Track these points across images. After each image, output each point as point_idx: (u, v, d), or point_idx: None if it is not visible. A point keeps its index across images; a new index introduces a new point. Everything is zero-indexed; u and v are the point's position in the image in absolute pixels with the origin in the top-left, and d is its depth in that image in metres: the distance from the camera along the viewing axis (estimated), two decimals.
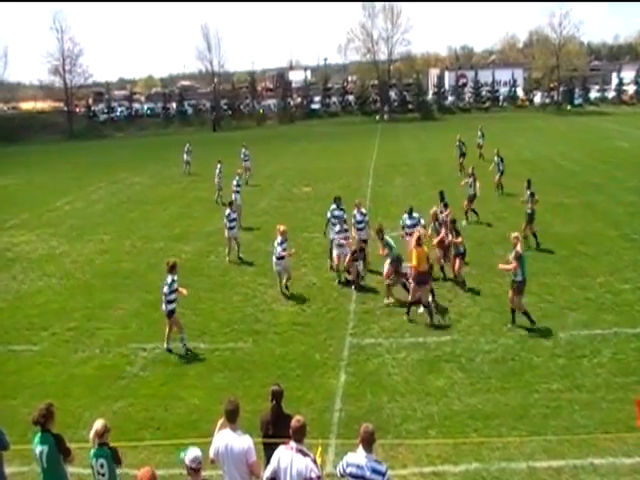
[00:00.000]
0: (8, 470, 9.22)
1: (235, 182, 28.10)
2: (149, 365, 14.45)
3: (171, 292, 14.69)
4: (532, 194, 21.71)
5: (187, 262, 21.70)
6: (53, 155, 66.32)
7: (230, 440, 7.98)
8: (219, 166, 32.65)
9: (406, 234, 19.04)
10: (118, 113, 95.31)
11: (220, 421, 8.30)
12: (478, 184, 25.40)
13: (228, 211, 21.63)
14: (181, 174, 42.24)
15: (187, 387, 13.25)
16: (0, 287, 20.78)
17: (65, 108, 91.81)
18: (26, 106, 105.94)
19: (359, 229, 19.73)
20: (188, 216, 29.98)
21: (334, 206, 20.45)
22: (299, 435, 7.73)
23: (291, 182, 37.74)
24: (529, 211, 21.67)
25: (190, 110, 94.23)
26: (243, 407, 8.56)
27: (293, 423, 7.75)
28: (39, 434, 8.39)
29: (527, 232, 21.52)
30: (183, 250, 23.61)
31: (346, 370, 13.63)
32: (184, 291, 15.01)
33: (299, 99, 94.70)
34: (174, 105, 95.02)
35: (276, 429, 8.37)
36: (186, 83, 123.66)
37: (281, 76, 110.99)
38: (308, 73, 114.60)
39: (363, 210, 20.43)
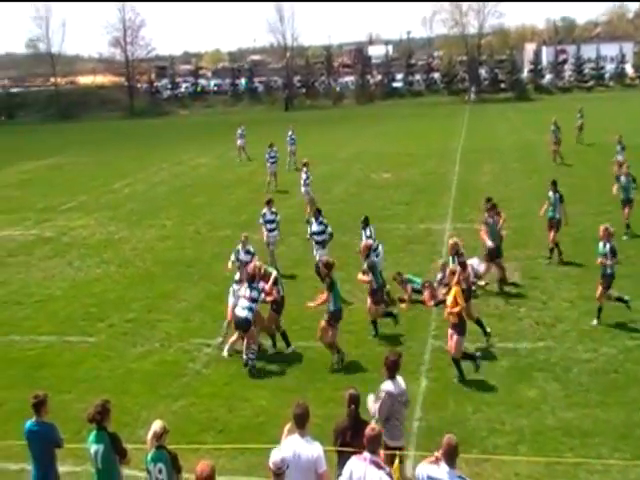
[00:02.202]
0: (61, 469, 9.43)
1: (304, 175, 27.40)
2: (212, 362, 14.63)
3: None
4: (561, 197, 19.54)
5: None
6: (112, 133, 68.14)
7: (298, 447, 7.98)
8: (274, 149, 32.80)
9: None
10: (182, 89, 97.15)
11: (288, 426, 8.31)
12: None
13: (264, 210, 20.66)
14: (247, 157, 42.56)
15: (253, 387, 13.36)
16: (55, 274, 21.46)
17: (126, 83, 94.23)
18: (84, 80, 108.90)
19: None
20: (256, 202, 29.99)
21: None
22: (374, 445, 7.67)
23: (369, 167, 37.63)
24: (557, 216, 19.54)
25: (260, 87, 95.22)
26: (313, 412, 8.54)
27: (367, 432, 7.70)
28: (94, 432, 8.55)
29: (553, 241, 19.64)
30: (250, 239, 23.72)
31: (427, 375, 13.51)
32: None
33: (379, 76, 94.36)
34: (243, 81, 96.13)
35: (354, 437, 8.32)
36: (256, 58, 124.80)
37: (360, 51, 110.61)
38: (389, 48, 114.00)
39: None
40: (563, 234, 19.96)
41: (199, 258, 22.00)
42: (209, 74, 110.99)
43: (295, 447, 7.99)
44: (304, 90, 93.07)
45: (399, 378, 9.76)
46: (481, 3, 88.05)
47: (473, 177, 33.00)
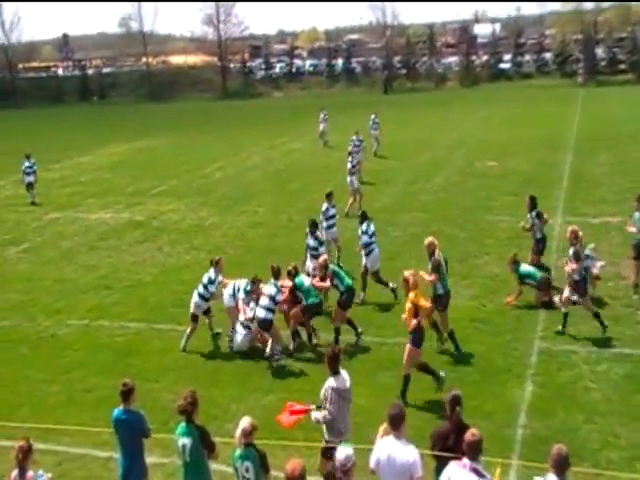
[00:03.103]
0: (148, 460, 9.66)
1: (350, 164, 26.86)
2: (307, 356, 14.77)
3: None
4: (538, 214, 18.13)
5: (351, 242, 21.90)
6: (204, 115, 69.46)
7: (393, 450, 7.95)
8: (360, 137, 32.61)
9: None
10: (277, 70, 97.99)
11: (382, 427, 8.30)
12: None
13: (326, 205, 20.07)
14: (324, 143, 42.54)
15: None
16: (146, 259, 22.06)
17: (218, 63, 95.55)
18: (176, 60, 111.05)
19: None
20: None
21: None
22: (474, 452, 7.57)
23: (473, 154, 37.08)
24: (538, 235, 18.08)
25: (358, 68, 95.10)
26: (412, 413, 8.53)
27: (467, 437, 7.61)
28: (183, 424, 8.73)
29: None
30: (347, 227, 23.84)
31: (533, 380, 13.25)
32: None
33: (485, 57, 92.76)
34: (340, 62, 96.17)
35: (457, 442, 8.21)
36: (354, 37, 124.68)
37: (465, 30, 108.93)
38: (497, 26, 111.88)
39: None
40: None
41: (292, 247, 22.12)
42: (305, 54, 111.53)
43: (390, 450, 7.97)
44: (404, 71, 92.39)
45: (343, 373, 9.83)
46: None
47: (587, 167, 32.04)
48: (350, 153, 28.53)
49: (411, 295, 12.61)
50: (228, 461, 9.14)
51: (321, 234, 18.69)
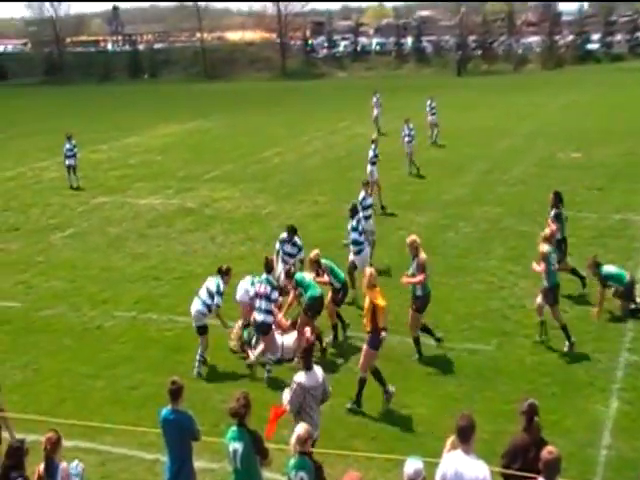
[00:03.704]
0: (196, 464, 9.75)
1: (372, 152, 26.34)
2: None
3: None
4: (558, 215, 17.67)
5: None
6: (262, 95, 69.79)
7: (461, 465, 7.90)
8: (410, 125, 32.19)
9: None
10: (340, 48, 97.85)
11: (450, 439, 8.25)
12: None
13: (363, 194, 20.29)
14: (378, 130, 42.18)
15: (412, 391, 13.36)
16: (197, 249, 22.26)
17: (278, 40, 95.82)
18: (233, 37, 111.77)
19: None
20: (421, 179, 30.16)
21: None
22: (551, 471, 7.50)
23: (555, 144, 36.55)
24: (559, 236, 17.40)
25: (429, 47, 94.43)
26: (480, 425, 8.43)
27: (544, 455, 7.54)
28: (234, 428, 8.76)
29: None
30: (414, 221, 23.80)
31: (619, 396, 13.03)
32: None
33: (570, 37, 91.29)
34: (409, 41, 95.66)
35: (536, 458, 8.12)
36: (425, 14, 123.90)
37: (548, 7, 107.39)
38: (584, 3, 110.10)
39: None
40: None
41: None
42: (371, 32, 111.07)
43: (458, 464, 7.93)
44: (480, 52, 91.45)
45: (317, 370, 10.18)
46: None
47: None
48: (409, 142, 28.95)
49: (370, 293, 12.66)
50: (282, 470, 9.20)
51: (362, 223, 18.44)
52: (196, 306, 14.49)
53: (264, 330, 14.28)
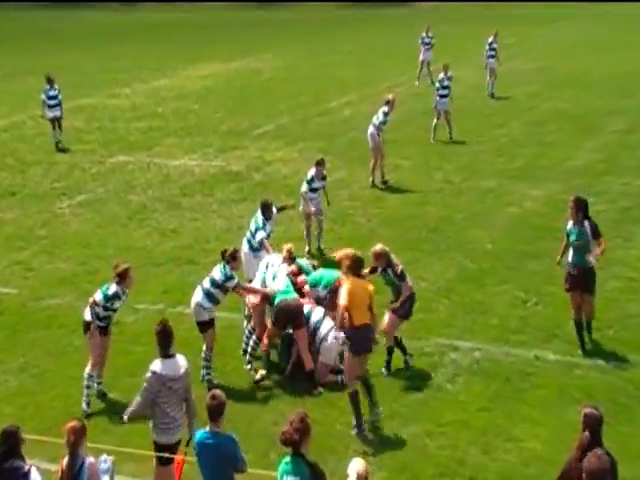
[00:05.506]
0: None
1: (382, 116, 25.67)
2: (462, 375, 14.66)
3: None
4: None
5: (532, 216, 21.56)
6: (327, 27, 69.66)
7: None
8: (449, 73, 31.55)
9: None
10: None
11: None
12: None
13: (313, 171, 20.87)
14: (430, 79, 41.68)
15: (522, 419, 13.24)
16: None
17: None
18: None
19: None
20: (539, 140, 29.77)
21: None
22: None
23: None
24: None
25: None
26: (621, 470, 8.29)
27: (588, 463, 7.81)
28: (289, 458, 8.76)
29: None
30: (527, 195, 23.47)
31: None
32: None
33: None
34: None
35: None
36: None
37: None
38: None
39: None
40: None
41: (448, 219, 21.99)
42: None
43: None
44: None
45: (179, 358, 10.71)
46: None
47: None
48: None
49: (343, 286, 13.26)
50: None
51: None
52: (197, 297, 14.63)
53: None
